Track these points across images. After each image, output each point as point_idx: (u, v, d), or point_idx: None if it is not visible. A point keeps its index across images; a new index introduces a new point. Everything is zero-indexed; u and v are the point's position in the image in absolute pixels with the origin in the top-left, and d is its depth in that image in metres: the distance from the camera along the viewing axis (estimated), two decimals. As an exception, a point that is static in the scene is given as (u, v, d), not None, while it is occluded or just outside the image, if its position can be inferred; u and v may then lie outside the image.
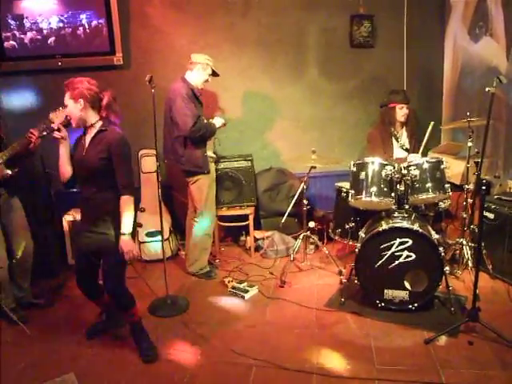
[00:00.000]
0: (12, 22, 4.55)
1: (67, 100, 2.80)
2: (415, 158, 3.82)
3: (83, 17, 4.55)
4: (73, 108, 2.79)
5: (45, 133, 2.94)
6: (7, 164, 3.24)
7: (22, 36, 4.59)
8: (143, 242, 4.50)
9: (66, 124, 2.87)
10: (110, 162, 2.75)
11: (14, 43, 4.60)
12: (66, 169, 2.91)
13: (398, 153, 4.12)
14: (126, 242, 2.73)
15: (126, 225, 2.75)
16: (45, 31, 4.59)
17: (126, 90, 4.72)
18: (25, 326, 3.26)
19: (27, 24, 4.57)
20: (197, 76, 3.91)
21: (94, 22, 4.58)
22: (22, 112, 4.73)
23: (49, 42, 4.62)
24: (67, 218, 4.43)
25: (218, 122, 3.99)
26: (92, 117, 2.83)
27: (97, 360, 2.96)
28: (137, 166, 4.60)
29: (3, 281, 3.37)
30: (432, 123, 3.88)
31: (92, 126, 2.84)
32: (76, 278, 3.05)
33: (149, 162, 4.55)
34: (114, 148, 2.75)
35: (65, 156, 2.90)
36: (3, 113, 4.57)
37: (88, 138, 2.85)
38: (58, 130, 2.86)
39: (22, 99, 4.76)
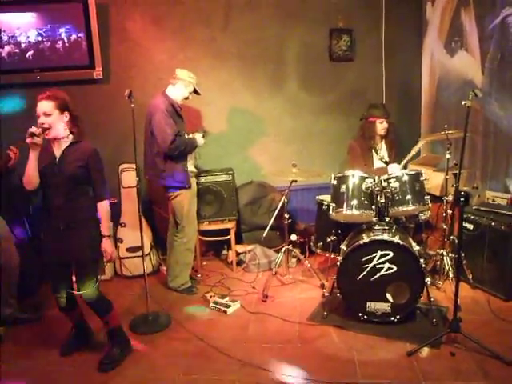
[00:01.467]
0: (-11, 36, 4.49)
1: (52, 110, 2.78)
2: (395, 168, 3.85)
3: (62, 30, 4.51)
4: (57, 119, 2.79)
5: (30, 130, 2.78)
6: None
7: (0, 50, 4.54)
8: (124, 258, 4.43)
9: (41, 132, 2.80)
10: (86, 170, 2.85)
11: (-10, 57, 4.54)
12: (35, 175, 2.82)
13: (378, 165, 4.16)
14: (108, 243, 2.91)
15: (107, 227, 2.94)
16: (23, 45, 4.54)
17: (105, 104, 4.70)
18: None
19: (5, 38, 4.50)
20: (178, 92, 3.91)
21: (74, 36, 4.54)
22: (1, 125, 4.65)
23: (27, 55, 4.56)
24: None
25: (198, 138, 3.99)
26: (66, 129, 2.87)
27: (77, 380, 2.89)
28: (117, 180, 4.56)
29: None
30: (422, 141, 3.95)
31: (62, 138, 2.86)
32: (52, 290, 3.01)
33: (129, 177, 4.50)
34: (92, 159, 2.87)
35: (35, 163, 2.81)
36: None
37: (58, 149, 2.87)
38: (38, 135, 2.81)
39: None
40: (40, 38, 4.54)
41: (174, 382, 2.82)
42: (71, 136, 2.88)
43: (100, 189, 2.91)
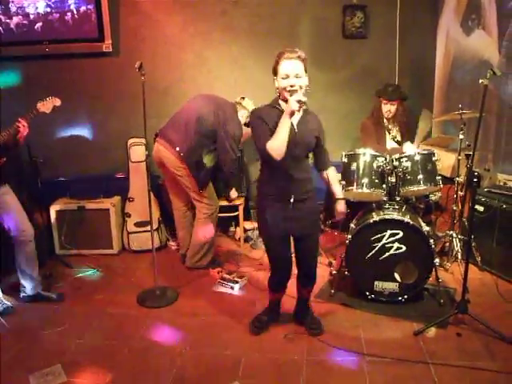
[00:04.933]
0: (-3, 6, 4.44)
1: (302, 72, 2.60)
2: (410, 147, 3.79)
3: (71, 2, 4.45)
4: (304, 82, 2.62)
5: (298, 97, 2.49)
6: None
7: (8, 21, 4.48)
8: (131, 232, 4.44)
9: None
10: (317, 140, 2.79)
11: (-1, 28, 4.50)
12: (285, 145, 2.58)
13: (390, 144, 4.10)
14: (342, 204, 2.97)
15: (340, 190, 3.02)
16: (32, 16, 4.49)
17: (114, 77, 4.67)
18: (4, 319, 3.21)
19: (13, 8, 4.46)
20: (241, 116, 3.94)
21: (83, 8, 4.48)
22: (8, 98, 4.62)
23: (36, 27, 4.51)
24: (55, 208, 4.37)
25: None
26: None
27: (84, 352, 2.92)
28: (125, 155, 4.54)
29: None
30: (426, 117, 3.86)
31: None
32: (281, 266, 2.94)
33: (138, 152, 4.47)
34: (322, 129, 2.85)
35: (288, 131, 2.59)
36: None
37: (296, 119, 2.66)
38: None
39: (7, 85, 4.65)
40: (49, 10, 4.49)
41: (180, 356, 2.84)
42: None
43: (328, 156, 2.93)
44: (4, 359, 2.83)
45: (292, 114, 2.51)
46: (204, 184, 3.81)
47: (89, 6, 4.47)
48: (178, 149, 3.70)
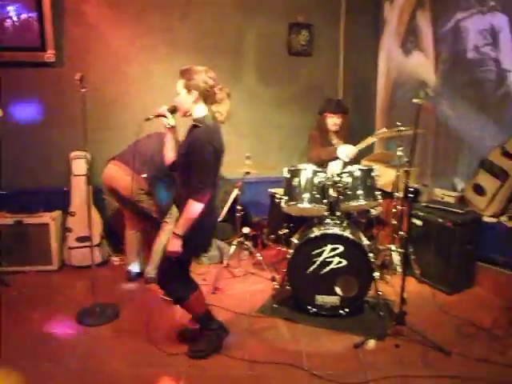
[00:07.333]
0: None
1: (180, 88, 2.68)
2: (344, 151, 3.80)
3: (11, 8, 4.31)
4: (184, 98, 2.68)
5: (151, 116, 2.77)
6: None
7: None
8: (72, 248, 4.31)
9: (172, 111, 2.77)
10: (188, 159, 2.62)
11: None
12: (167, 154, 2.89)
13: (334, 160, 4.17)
14: (172, 242, 2.66)
15: (180, 225, 2.63)
16: (-32, 21, 4.32)
17: (58, 88, 4.54)
18: None
19: None
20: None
21: (24, 15, 4.35)
22: None
23: (-28, 33, 4.35)
24: None
25: None
26: (199, 110, 2.70)
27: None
28: (67, 168, 4.42)
29: None
30: (377, 136, 3.92)
31: (195, 119, 2.70)
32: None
33: (79, 165, 4.37)
34: (192, 146, 2.61)
35: (169, 142, 2.86)
36: None
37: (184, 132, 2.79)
38: (165, 116, 2.77)
39: None
40: (-15, 15, 4.32)
41: (119, 375, 2.76)
42: (199, 118, 2.68)
43: (192, 184, 2.59)
44: None
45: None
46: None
47: (30, 14, 4.34)
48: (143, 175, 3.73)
